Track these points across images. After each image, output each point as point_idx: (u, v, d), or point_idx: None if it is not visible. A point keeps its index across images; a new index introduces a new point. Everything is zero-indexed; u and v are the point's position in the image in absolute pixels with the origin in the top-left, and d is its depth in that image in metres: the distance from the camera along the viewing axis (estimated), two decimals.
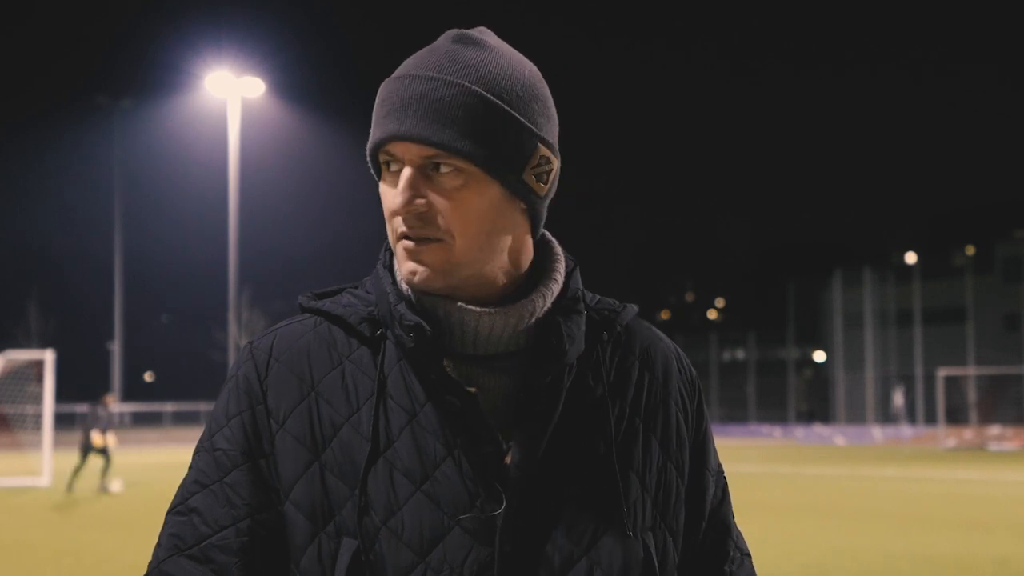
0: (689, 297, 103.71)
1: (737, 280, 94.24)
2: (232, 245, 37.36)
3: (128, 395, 57.78)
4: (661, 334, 1.43)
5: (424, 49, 1.27)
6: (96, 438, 19.09)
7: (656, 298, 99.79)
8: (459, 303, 1.24)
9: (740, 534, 1.45)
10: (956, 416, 43.21)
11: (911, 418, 46.66)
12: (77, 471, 18.63)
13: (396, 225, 1.23)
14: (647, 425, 1.33)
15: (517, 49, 1.32)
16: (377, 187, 1.30)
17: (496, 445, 1.22)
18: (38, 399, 22.53)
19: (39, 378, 22.47)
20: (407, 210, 1.20)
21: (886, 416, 48.46)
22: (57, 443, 23.43)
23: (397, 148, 1.21)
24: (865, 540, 11.78)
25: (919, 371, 46.91)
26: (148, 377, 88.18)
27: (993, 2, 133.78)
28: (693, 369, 1.44)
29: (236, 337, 41.22)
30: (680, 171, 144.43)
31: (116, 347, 57.69)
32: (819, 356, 62.05)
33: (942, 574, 9.54)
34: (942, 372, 40.58)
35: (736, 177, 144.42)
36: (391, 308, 1.25)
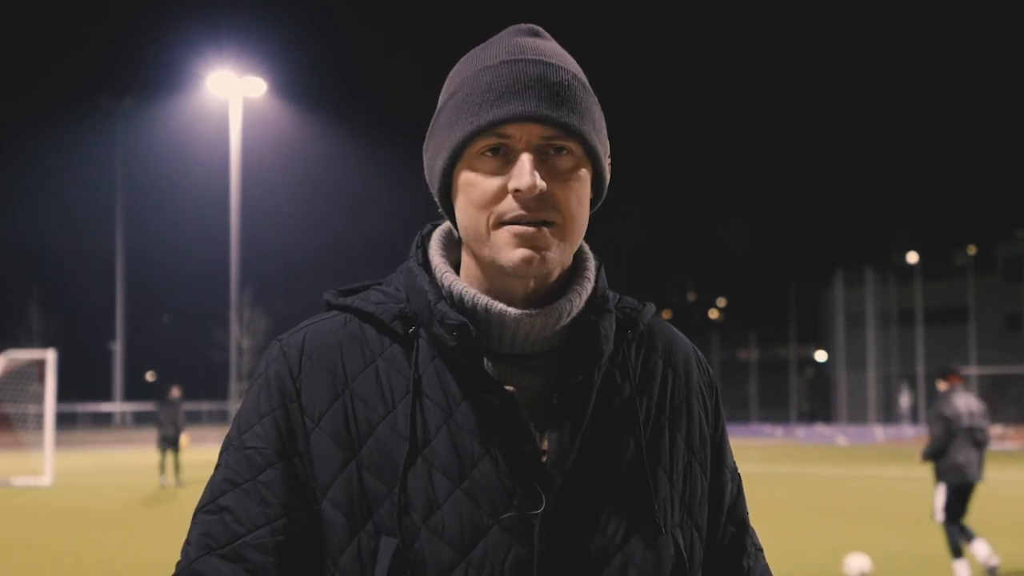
0: (690, 297, 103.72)
1: (738, 280, 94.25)
2: (234, 245, 37.40)
3: (129, 395, 57.79)
4: (678, 332, 1.44)
5: (496, 42, 1.28)
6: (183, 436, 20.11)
7: (657, 298, 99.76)
8: (500, 303, 1.24)
9: (754, 531, 1.48)
10: None
11: (913, 418, 46.64)
12: (176, 465, 19.63)
13: (505, 210, 1.20)
14: (672, 423, 1.34)
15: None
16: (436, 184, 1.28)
17: (533, 444, 1.22)
18: (40, 399, 22.54)
19: (41, 378, 22.48)
20: (537, 191, 1.18)
21: (888, 416, 48.42)
22: (58, 443, 23.45)
23: (516, 129, 1.20)
24: (866, 540, 11.77)
25: (921, 371, 46.86)
26: (150, 377, 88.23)
27: (993, 2, 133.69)
28: (710, 368, 1.45)
29: (238, 337, 41.24)
30: (680, 171, 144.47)
31: (118, 347, 57.76)
32: (820, 356, 62.03)
33: (943, 573, 9.53)
34: None
35: (736, 177, 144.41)
36: (430, 306, 1.24)
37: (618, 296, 1.37)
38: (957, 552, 9.02)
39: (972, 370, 44.62)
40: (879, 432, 42.92)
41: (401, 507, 1.19)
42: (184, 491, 18.01)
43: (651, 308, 1.39)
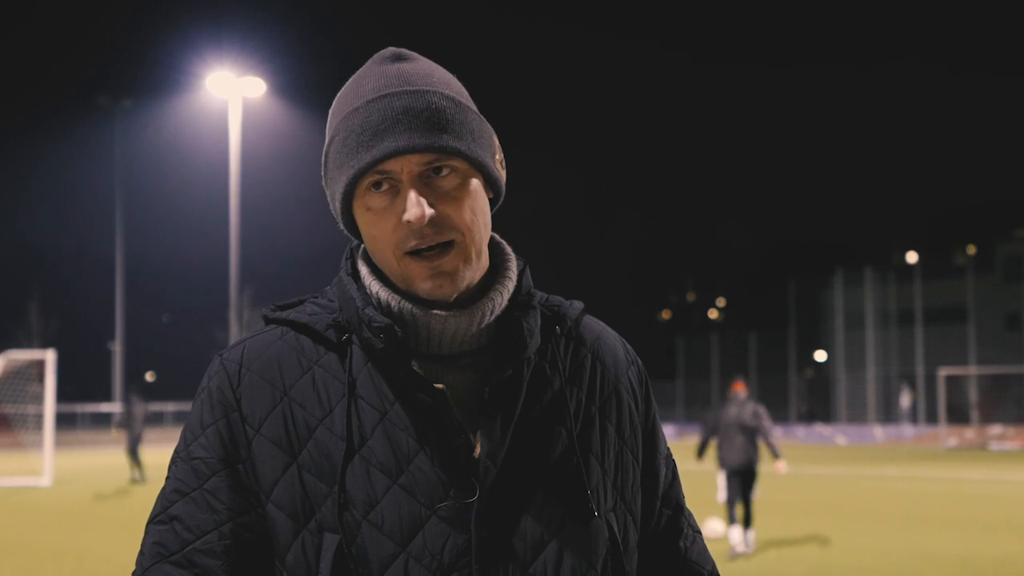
0: (690, 297, 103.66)
1: (738, 280, 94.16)
2: (233, 245, 37.42)
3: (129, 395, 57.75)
4: (607, 326, 1.50)
5: (363, 75, 1.34)
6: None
7: (657, 298, 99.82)
8: (423, 307, 1.30)
9: (691, 513, 1.55)
10: (957, 416, 43.16)
11: (912, 418, 46.63)
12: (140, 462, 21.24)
13: (402, 241, 1.26)
14: (602, 412, 1.40)
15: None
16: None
17: (466, 438, 1.27)
18: (39, 399, 22.57)
19: (40, 378, 22.50)
20: (427, 219, 1.24)
21: (887, 416, 48.42)
22: (58, 443, 23.49)
23: (395, 164, 1.26)
24: (866, 539, 11.78)
25: (920, 371, 46.85)
26: (149, 377, 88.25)
27: (993, 2, 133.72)
28: (639, 359, 1.51)
29: (237, 337, 41.21)
30: (680, 171, 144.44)
31: (117, 347, 57.67)
32: (820, 356, 61.98)
33: (943, 573, 9.55)
34: (943, 372, 40.54)
35: (736, 177, 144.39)
36: (359, 312, 1.31)
37: (546, 296, 1.43)
38: (731, 520, 11.05)
39: (972, 370, 44.61)
40: (878, 432, 42.94)
41: (341, 504, 1.24)
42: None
43: (579, 305, 1.44)
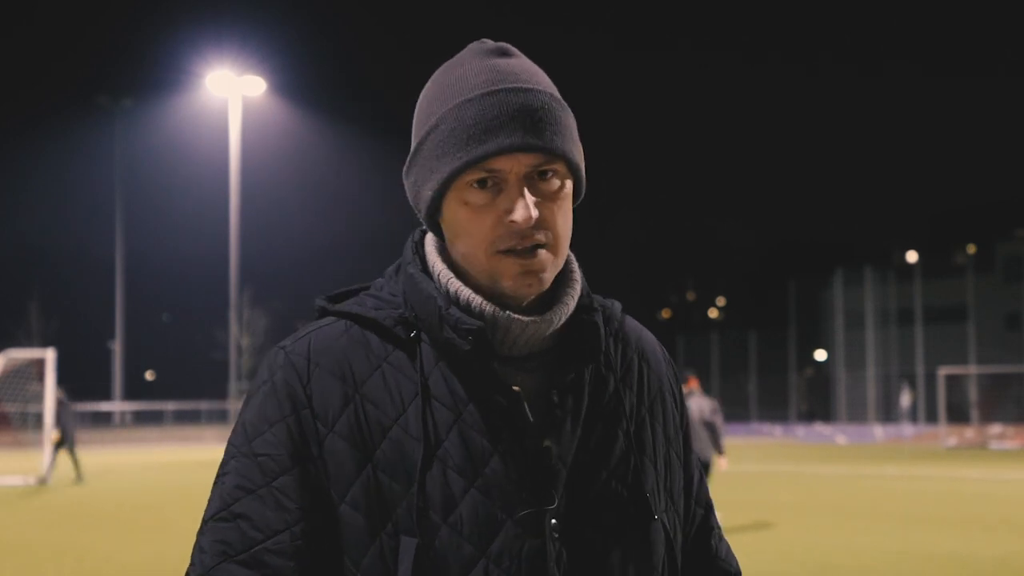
0: (690, 296, 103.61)
1: (738, 279, 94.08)
2: (233, 244, 37.44)
3: (129, 394, 57.78)
4: (643, 326, 1.51)
5: (467, 67, 1.30)
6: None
7: (657, 297, 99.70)
8: (506, 310, 1.28)
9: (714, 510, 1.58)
10: (957, 415, 43.15)
11: (912, 417, 46.64)
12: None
13: (499, 239, 1.25)
14: (651, 414, 1.42)
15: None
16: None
17: (537, 440, 1.28)
18: (39, 398, 22.58)
19: (40, 377, 22.51)
20: (531, 223, 1.24)
21: (887, 415, 48.42)
22: None
23: (504, 162, 1.24)
24: (866, 538, 11.78)
25: (920, 370, 46.84)
26: (149, 376, 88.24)
27: (993, 4, 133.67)
28: (672, 360, 1.53)
29: (237, 336, 41.28)
30: (681, 171, 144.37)
31: (117, 346, 57.67)
32: (820, 355, 61.98)
33: (943, 572, 9.54)
34: (943, 371, 40.53)
35: (736, 177, 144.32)
36: (441, 312, 1.28)
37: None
38: None
39: (972, 369, 44.62)
40: (878, 431, 42.94)
41: (421, 507, 1.22)
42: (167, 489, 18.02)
43: (619, 304, 1.45)
